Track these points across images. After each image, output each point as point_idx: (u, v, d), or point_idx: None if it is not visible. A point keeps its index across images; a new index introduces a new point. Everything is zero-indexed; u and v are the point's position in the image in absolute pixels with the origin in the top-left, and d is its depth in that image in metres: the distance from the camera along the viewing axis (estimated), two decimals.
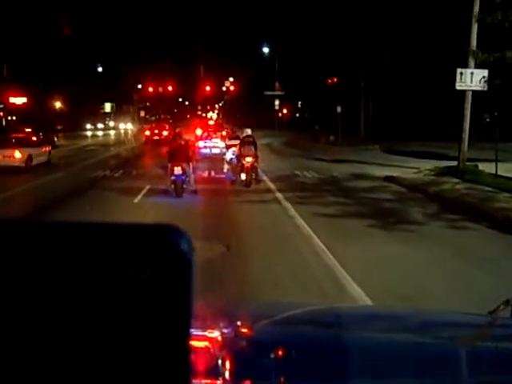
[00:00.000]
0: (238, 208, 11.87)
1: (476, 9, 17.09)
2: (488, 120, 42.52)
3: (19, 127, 29.91)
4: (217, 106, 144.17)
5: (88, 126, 63.82)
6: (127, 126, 65.02)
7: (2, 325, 0.50)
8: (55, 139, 32.90)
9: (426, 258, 7.55)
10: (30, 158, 19.78)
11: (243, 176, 15.05)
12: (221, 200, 12.99)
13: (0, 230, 0.52)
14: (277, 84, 55.19)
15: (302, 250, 8.04)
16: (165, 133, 34.76)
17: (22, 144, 20.20)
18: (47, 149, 22.55)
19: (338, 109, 34.72)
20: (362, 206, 11.81)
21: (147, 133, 36.72)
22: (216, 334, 1.74)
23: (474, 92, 17.73)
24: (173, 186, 13.26)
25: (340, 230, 9.45)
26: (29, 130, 26.66)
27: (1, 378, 0.50)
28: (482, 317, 2.02)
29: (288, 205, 11.91)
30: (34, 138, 23.14)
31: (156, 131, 36.34)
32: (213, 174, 18.36)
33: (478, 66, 17.48)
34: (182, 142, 14.24)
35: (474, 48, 17.22)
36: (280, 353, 1.66)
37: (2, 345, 0.50)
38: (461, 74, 17.64)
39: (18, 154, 19.29)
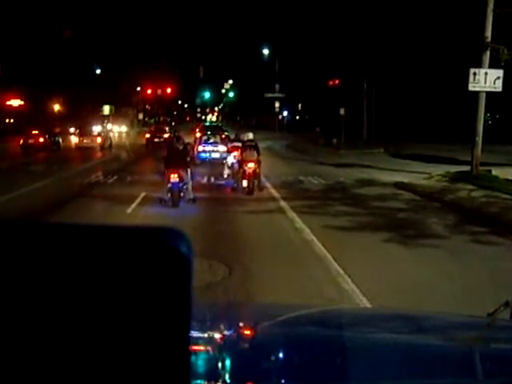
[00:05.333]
0: (239, 219, 10.90)
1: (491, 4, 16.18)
2: (490, 122, 41.78)
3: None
4: (216, 108, 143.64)
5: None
6: (121, 129, 59.77)
7: (2, 325, 0.50)
8: (60, 141, 35.09)
9: (464, 287, 6.51)
10: (104, 141, 34.37)
11: (245, 183, 14.10)
12: (221, 210, 12.00)
13: (1, 230, 0.52)
14: (277, 86, 54.46)
15: (315, 273, 7.06)
16: (166, 135, 35.20)
17: (99, 133, 36.09)
18: (109, 137, 37.35)
19: (341, 111, 33.88)
20: (375, 217, 10.85)
21: (148, 135, 37.19)
22: (216, 335, 1.75)
23: (475, 93, 16.83)
24: (169, 195, 12.30)
25: (355, 246, 8.47)
26: (35, 131, 32.92)
27: (1, 378, 0.50)
28: (481, 319, 1.98)
29: (294, 215, 10.94)
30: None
31: (157, 133, 36.93)
32: (212, 180, 17.42)
33: (492, 66, 16.59)
34: (181, 147, 13.30)
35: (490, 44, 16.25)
36: (281, 355, 1.66)
37: (2, 345, 0.50)
38: (474, 74, 16.72)
39: (98, 139, 34.41)
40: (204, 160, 21.94)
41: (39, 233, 0.52)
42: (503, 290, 5.76)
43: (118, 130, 52.52)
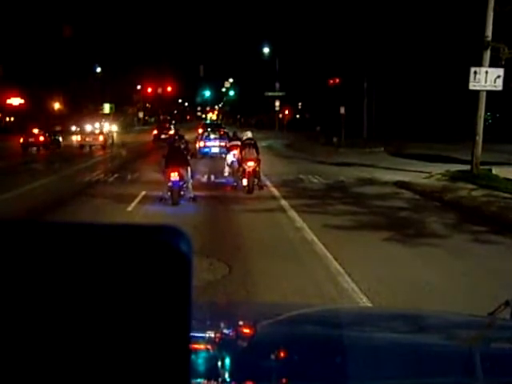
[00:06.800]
0: (239, 218, 10.90)
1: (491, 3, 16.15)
2: (490, 121, 41.72)
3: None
4: (216, 107, 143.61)
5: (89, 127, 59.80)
6: (112, 129, 49.76)
7: (2, 325, 0.50)
8: (60, 139, 36.46)
9: (464, 286, 6.51)
10: (105, 140, 34.86)
11: (245, 181, 14.10)
12: (221, 209, 12.00)
13: (0, 229, 0.52)
14: (277, 85, 54.47)
15: (315, 272, 7.07)
16: (171, 132, 36.90)
17: (101, 132, 36.21)
18: (111, 136, 38.51)
19: (342, 110, 33.83)
20: (375, 216, 10.84)
21: (155, 132, 41.22)
22: (216, 334, 1.74)
23: (475, 92, 16.82)
24: (169, 193, 12.31)
25: (355, 245, 8.46)
26: (36, 130, 33.34)
27: (1, 378, 0.50)
28: (481, 318, 1.98)
29: (295, 214, 10.93)
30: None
31: (163, 131, 40.71)
32: (212, 178, 17.43)
33: (493, 64, 16.58)
34: (181, 146, 13.31)
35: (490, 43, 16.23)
36: (281, 354, 1.65)
37: (2, 345, 0.50)
38: (475, 73, 16.71)
39: (101, 137, 34.50)
40: (205, 154, 24.65)
41: (38, 232, 0.52)
42: (503, 289, 5.77)
43: (107, 129, 46.16)
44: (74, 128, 40.83)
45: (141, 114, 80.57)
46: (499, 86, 16.69)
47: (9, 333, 0.50)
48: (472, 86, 16.69)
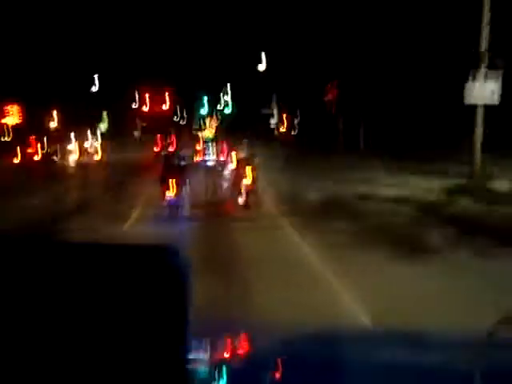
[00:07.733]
0: (236, 236, 10.78)
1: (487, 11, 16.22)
2: (487, 131, 41.75)
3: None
4: (214, 117, 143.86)
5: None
6: (95, 145, 42.35)
7: (11, 328, 0.52)
8: (55, 158, 36.79)
9: (468, 302, 6.36)
10: (101, 158, 37.02)
11: (241, 199, 13.99)
12: (218, 226, 11.87)
13: (13, 246, 0.54)
14: (273, 103, 54.84)
15: (313, 292, 6.93)
16: (171, 149, 37.87)
17: (97, 150, 38.73)
18: (107, 154, 38.89)
19: (338, 125, 33.93)
20: (374, 233, 10.67)
21: (156, 149, 42.30)
22: (213, 353, 1.75)
23: (472, 106, 16.89)
24: (166, 211, 12.20)
25: (355, 263, 8.30)
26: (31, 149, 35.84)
27: (1, 377, 0.52)
28: (481, 336, 1.99)
29: (292, 231, 10.84)
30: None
31: (164, 148, 40.65)
32: (210, 194, 17.31)
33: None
34: (176, 163, 13.25)
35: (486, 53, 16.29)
36: (277, 375, 1.65)
37: (5, 345, 0.52)
38: (470, 88, 16.75)
39: (96, 157, 37.35)
40: (202, 167, 26.18)
41: (45, 250, 0.53)
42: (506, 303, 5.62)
43: (103, 148, 40.58)
44: (69, 146, 40.42)
45: (136, 133, 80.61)
46: (495, 100, 16.72)
47: (12, 336, 0.51)
48: (467, 101, 16.73)
